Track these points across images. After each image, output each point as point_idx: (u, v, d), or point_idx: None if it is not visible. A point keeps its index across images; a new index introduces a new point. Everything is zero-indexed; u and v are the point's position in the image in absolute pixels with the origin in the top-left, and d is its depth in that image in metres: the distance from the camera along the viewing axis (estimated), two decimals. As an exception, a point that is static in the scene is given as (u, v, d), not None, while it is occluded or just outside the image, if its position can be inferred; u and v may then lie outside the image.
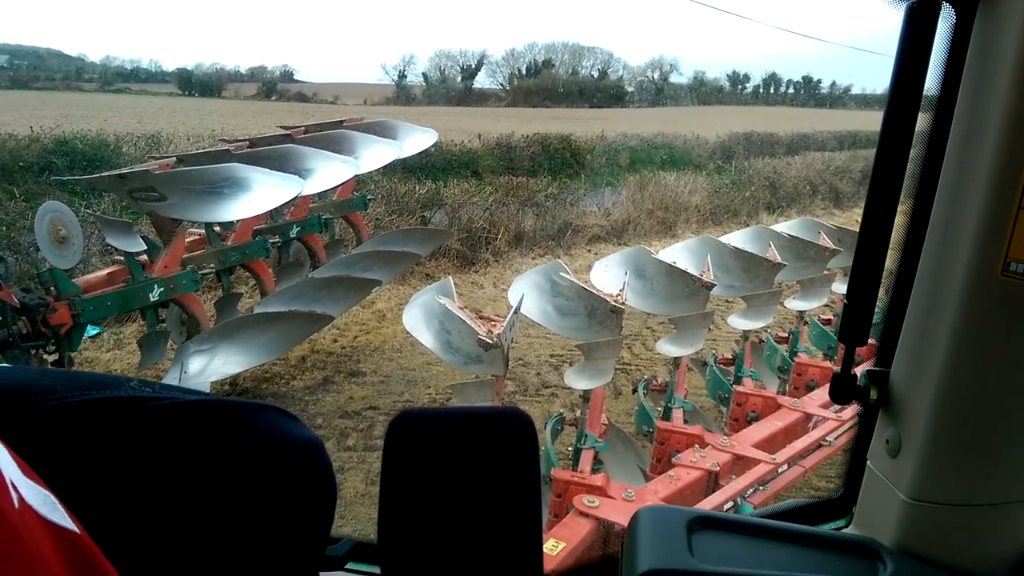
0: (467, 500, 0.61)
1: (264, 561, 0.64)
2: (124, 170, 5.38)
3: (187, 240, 5.30)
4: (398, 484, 0.61)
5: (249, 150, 5.86)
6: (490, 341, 3.37)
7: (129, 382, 0.68)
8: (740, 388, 4.23)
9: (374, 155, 6.40)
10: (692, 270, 4.19)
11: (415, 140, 7.25)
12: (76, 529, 0.44)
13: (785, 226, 5.43)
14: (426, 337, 3.92)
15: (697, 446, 3.50)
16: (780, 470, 3.49)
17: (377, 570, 1.03)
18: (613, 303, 3.69)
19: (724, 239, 4.87)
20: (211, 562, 0.60)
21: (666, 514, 0.80)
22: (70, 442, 0.58)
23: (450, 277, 4.82)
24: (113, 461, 0.59)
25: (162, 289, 4.86)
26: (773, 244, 4.70)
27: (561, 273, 4.05)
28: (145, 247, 4.96)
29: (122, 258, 4.91)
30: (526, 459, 0.60)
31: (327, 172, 5.70)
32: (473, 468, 0.60)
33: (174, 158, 5.67)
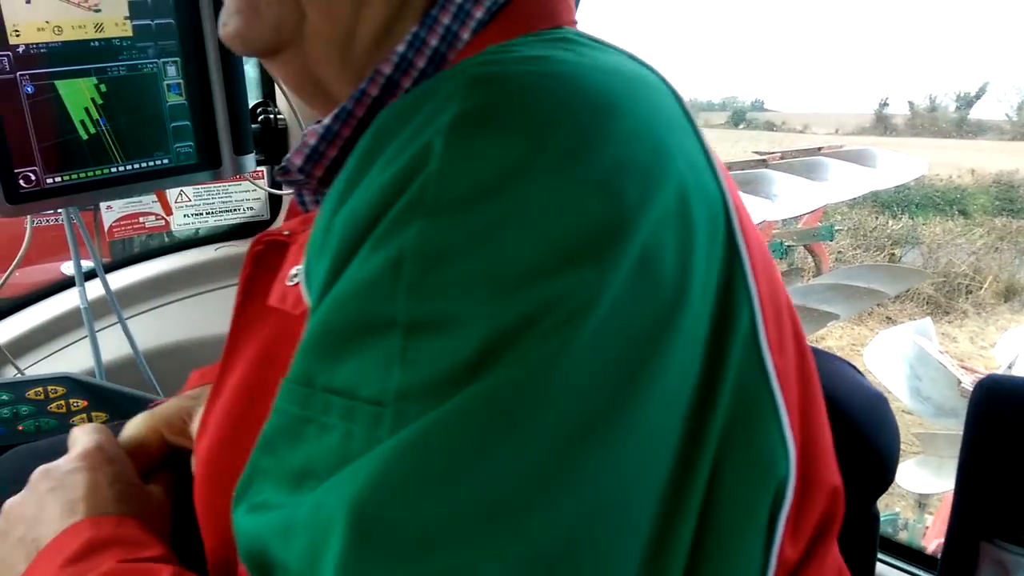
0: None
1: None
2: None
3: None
4: (981, 446, 0.69)
5: (725, 173, 6.18)
6: (976, 393, 3.04)
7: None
8: None
9: (848, 184, 6.18)
10: None
11: (896, 171, 6.78)
12: None
13: None
14: (890, 379, 3.71)
15: None
16: None
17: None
18: None
19: None
20: None
21: None
22: None
23: (928, 318, 4.44)
24: None
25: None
26: None
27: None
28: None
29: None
30: None
31: (796, 198, 5.70)
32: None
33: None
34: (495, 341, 0.29)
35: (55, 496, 0.49)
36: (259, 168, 1.30)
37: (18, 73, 0.81)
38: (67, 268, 1.35)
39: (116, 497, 0.49)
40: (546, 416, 0.29)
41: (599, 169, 0.31)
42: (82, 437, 0.55)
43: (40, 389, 0.90)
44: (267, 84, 1.30)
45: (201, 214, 1.36)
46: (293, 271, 0.43)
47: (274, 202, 1.40)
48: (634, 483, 0.31)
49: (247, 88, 1.00)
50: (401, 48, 0.42)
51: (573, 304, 0.29)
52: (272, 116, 1.28)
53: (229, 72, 0.95)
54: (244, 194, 1.38)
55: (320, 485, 0.31)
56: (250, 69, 1.09)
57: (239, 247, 1.39)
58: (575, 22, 0.46)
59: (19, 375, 1.07)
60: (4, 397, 0.89)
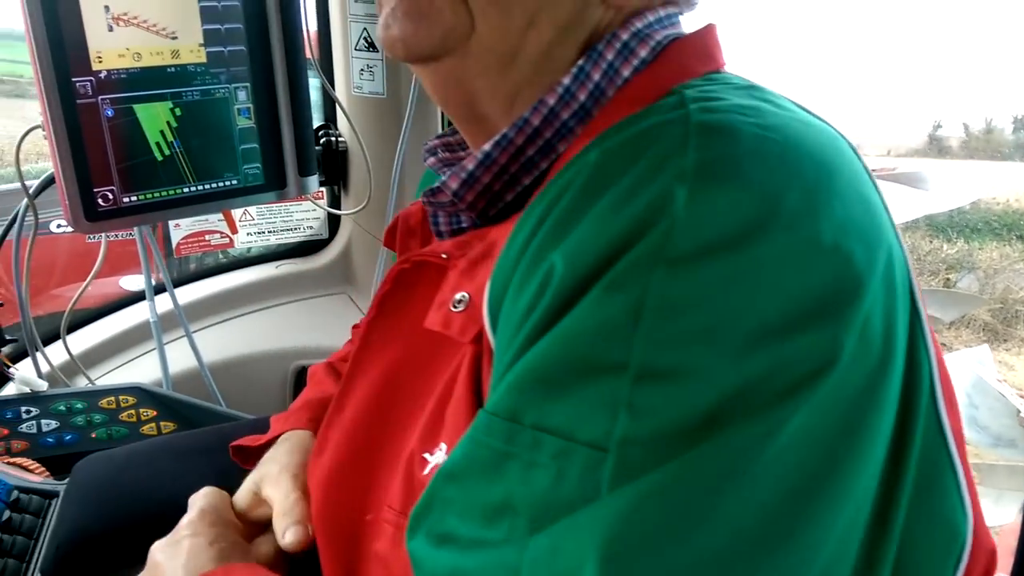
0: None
1: None
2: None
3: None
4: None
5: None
6: (1036, 424, 2.95)
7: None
8: None
9: (901, 207, 6.04)
10: None
11: (951, 194, 6.60)
12: None
13: None
14: (946, 407, 3.58)
15: None
16: None
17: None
18: None
19: None
20: None
21: None
22: None
23: (985, 345, 4.30)
24: None
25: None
26: None
27: None
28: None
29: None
30: None
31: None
32: None
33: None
34: (732, 396, 0.29)
35: (163, 568, 0.50)
36: (320, 188, 1.34)
37: (99, 97, 0.86)
38: (125, 283, 1.40)
39: (217, 556, 0.50)
40: (776, 473, 0.29)
41: (829, 229, 0.32)
42: (192, 504, 0.55)
43: (112, 398, 0.94)
44: (329, 107, 1.34)
45: (263, 232, 1.40)
46: (458, 296, 0.42)
47: (333, 222, 1.44)
48: (843, 544, 0.31)
49: (311, 112, 1.03)
50: (567, 80, 0.43)
51: (810, 365, 0.30)
52: (333, 139, 1.31)
53: (296, 97, 0.98)
54: (304, 214, 1.42)
55: (521, 522, 0.31)
56: (312, 93, 1.12)
57: (299, 265, 1.43)
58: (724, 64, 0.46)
59: (89, 385, 1.11)
60: (78, 406, 0.92)
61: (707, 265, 0.30)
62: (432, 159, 0.54)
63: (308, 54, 1.01)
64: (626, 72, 0.43)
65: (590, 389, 0.30)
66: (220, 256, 1.47)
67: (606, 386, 0.30)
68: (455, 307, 0.42)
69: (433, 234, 0.51)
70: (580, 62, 0.43)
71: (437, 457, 0.41)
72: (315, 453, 0.52)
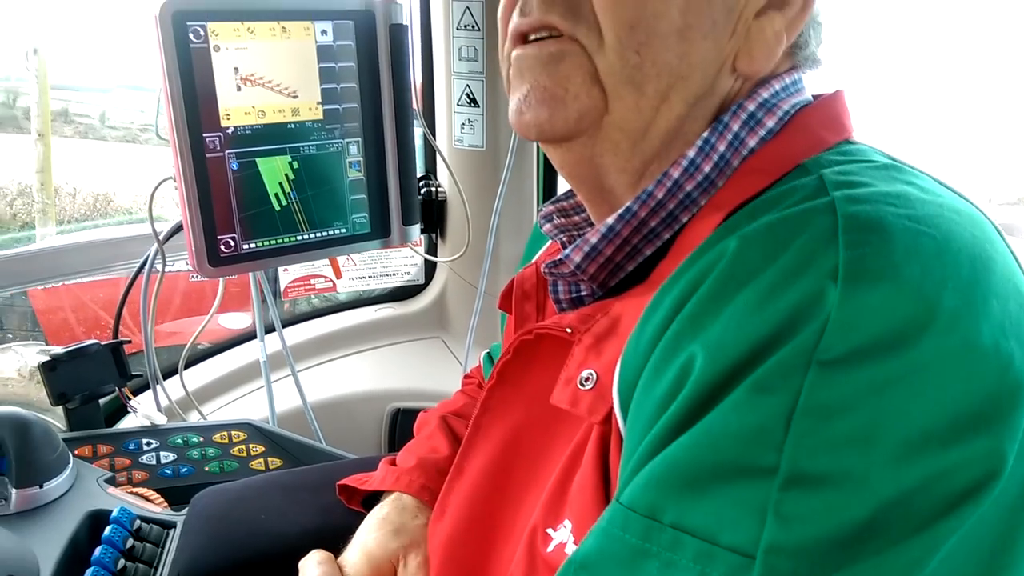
0: None
1: None
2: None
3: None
4: None
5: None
6: None
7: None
8: None
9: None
10: None
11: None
12: None
13: None
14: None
15: None
16: None
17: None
18: None
19: None
20: None
21: None
22: None
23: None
24: None
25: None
26: None
27: None
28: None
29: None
30: None
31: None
32: None
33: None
34: (889, 506, 0.28)
35: None
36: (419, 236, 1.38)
37: (226, 152, 0.92)
38: (224, 320, 1.47)
39: None
40: None
41: (987, 330, 0.30)
42: (304, 570, 0.55)
43: (225, 433, 0.98)
44: (430, 158, 1.39)
45: (364, 277, 1.45)
46: (584, 374, 0.41)
47: (429, 268, 1.48)
48: None
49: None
50: (691, 153, 0.43)
51: (972, 476, 0.28)
52: (433, 188, 1.36)
53: (402, 151, 1.02)
54: (403, 260, 1.46)
55: None
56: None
57: (396, 309, 1.47)
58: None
59: (202, 420, 1.16)
60: (194, 439, 0.97)
61: (863, 368, 0.29)
62: (548, 225, 0.55)
63: (413, 106, 1.05)
64: (752, 143, 0.43)
65: (736, 492, 0.29)
66: (314, 299, 1.53)
67: (753, 490, 0.29)
68: (582, 385, 0.41)
69: (552, 302, 0.51)
70: (705, 134, 0.43)
71: (561, 534, 0.40)
72: (435, 518, 0.52)
